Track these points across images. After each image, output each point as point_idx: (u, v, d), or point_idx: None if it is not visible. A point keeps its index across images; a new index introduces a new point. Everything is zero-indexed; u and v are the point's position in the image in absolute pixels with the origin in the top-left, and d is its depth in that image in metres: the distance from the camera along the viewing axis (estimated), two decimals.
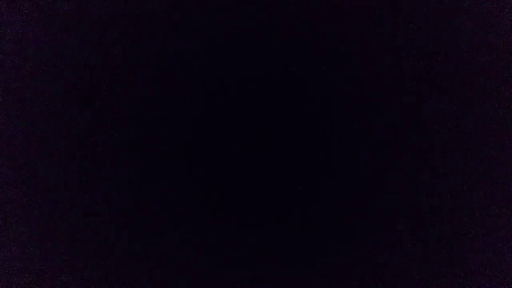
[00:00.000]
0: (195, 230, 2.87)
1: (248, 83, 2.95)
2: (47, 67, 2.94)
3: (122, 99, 2.92)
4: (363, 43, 2.94)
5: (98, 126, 2.91)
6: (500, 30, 2.93)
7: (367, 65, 2.93)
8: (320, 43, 2.95)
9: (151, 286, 2.83)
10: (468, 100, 2.91)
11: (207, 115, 2.94)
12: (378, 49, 2.94)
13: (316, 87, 2.94)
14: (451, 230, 2.85)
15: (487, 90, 2.92)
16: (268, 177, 2.90)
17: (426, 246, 2.84)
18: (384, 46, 2.94)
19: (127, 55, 2.94)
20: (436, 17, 2.95)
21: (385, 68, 2.92)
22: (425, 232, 2.85)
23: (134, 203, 2.88)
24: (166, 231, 2.87)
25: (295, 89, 2.94)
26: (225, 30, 2.96)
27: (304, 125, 2.92)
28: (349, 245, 2.85)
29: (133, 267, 2.84)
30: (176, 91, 2.94)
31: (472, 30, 2.94)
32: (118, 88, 2.93)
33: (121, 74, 2.94)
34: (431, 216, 2.86)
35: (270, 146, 2.92)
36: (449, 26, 2.95)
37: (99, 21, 2.96)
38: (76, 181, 2.88)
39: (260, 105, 2.94)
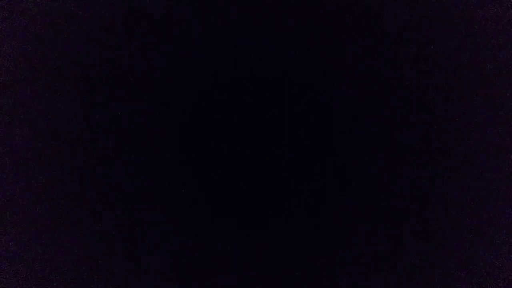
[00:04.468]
0: (194, 230, 2.87)
1: (247, 83, 2.95)
2: (46, 66, 2.94)
3: (121, 99, 2.92)
4: (363, 41, 2.94)
5: (97, 125, 2.91)
6: (501, 30, 2.93)
7: (368, 65, 2.93)
8: (320, 42, 2.95)
9: (151, 286, 2.83)
10: (470, 100, 2.91)
11: (207, 114, 2.93)
12: (379, 48, 2.93)
13: (317, 86, 2.94)
14: (452, 230, 2.85)
15: (490, 90, 2.91)
16: (268, 177, 2.90)
17: (429, 246, 2.84)
18: (385, 45, 2.93)
19: (127, 54, 2.94)
20: (439, 17, 2.95)
21: (385, 68, 2.92)
22: (427, 233, 2.85)
23: (135, 203, 2.88)
24: (166, 231, 2.87)
25: (296, 89, 2.94)
26: (225, 30, 2.96)
27: (305, 125, 2.92)
28: (350, 245, 2.85)
29: (133, 267, 2.84)
30: (177, 90, 2.94)
31: (474, 30, 2.94)
32: (118, 87, 2.93)
33: (121, 74, 2.93)
34: (432, 216, 2.85)
35: (271, 145, 2.92)
36: (450, 26, 2.95)
37: (99, 20, 2.95)
38: (76, 181, 2.88)
39: (260, 104, 2.93)
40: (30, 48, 2.95)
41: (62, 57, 2.94)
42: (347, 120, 2.91)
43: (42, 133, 2.90)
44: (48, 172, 2.88)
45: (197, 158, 2.91)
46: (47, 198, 2.87)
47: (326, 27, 2.95)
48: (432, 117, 2.90)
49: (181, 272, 2.84)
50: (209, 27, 2.95)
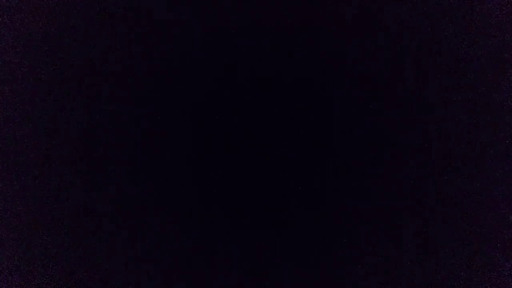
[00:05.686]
0: (194, 230, 2.87)
1: (247, 83, 2.95)
2: (46, 66, 2.94)
3: (121, 99, 2.92)
4: (363, 41, 2.94)
5: (97, 125, 2.91)
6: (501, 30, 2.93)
7: (368, 65, 2.93)
8: (320, 42, 2.95)
9: (151, 286, 2.83)
10: (470, 100, 2.91)
11: (207, 114, 2.93)
12: (379, 48, 2.93)
13: (317, 86, 2.94)
14: (452, 230, 2.85)
15: (490, 90, 2.91)
16: (268, 177, 2.90)
17: (429, 246, 2.84)
18: (385, 45, 2.93)
19: (127, 54, 2.94)
20: (439, 17, 2.95)
21: (385, 68, 2.92)
22: (427, 233, 2.84)
23: (135, 203, 2.88)
24: (166, 231, 2.87)
25: (296, 89, 2.94)
26: (225, 30, 2.96)
27: (305, 125, 2.92)
28: (350, 245, 2.85)
29: (133, 267, 2.84)
30: (177, 90, 2.94)
31: (474, 30, 2.94)
32: (118, 87, 2.93)
33: (121, 73, 2.93)
34: (432, 216, 2.85)
35: (271, 145, 2.92)
36: (451, 26, 2.95)
37: (100, 20, 2.95)
38: (76, 180, 2.88)
39: (260, 104, 2.93)
40: (30, 48, 2.95)
41: (62, 57, 2.94)
42: (347, 120, 2.91)
43: (42, 132, 2.90)
44: (48, 172, 2.88)
45: (197, 158, 2.91)
46: (47, 198, 2.87)
47: (326, 27, 2.94)
48: (432, 117, 2.90)
49: (181, 272, 2.84)
50: (209, 27, 2.95)
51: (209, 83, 2.94)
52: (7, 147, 2.89)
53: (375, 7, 2.94)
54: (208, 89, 2.94)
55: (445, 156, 2.88)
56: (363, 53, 2.93)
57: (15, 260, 2.84)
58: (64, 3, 2.96)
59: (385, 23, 2.94)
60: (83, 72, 2.93)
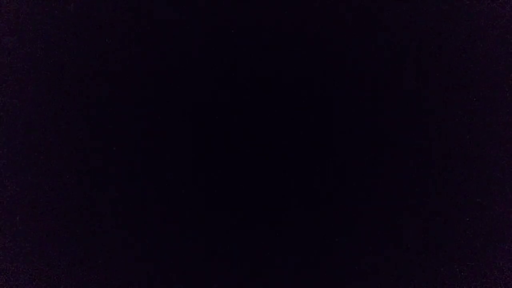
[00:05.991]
0: (194, 230, 2.87)
1: (247, 83, 2.95)
2: (47, 66, 2.94)
3: (121, 99, 2.92)
4: (363, 41, 2.94)
5: (97, 125, 2.91)
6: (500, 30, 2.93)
7: (368, 65, 2.93)
8: (320, 42, 2.95)
9: (150, 286, 2.83)
10: (470, 100, 2.91)
11: (207, 114, 2.93)
12: (379, 48, 2.93)
13: (317, 86, 2.94)
14: (452, 230, 2.85)
15: (490, 90, 2.91)
16: (268, 177, 2.90)
17: (429, 246, 2.84)
18: (385, 45, 2.93)
19: (127, 54, 2.94)
20: (439, 17, 2.95)
21: (385, 68, 2.92)
22: (427, 232, 2.84)
23: (135, 203, 2.87)
24: (166, 231, 2.87)
25: (296, 89, 2.93)
26: (225, 30, 2.96)
27: (305, 125, 2.92)
28: (350, 245, 2.85)
29: (133, 267, 2.84)
30: (177, 90, 2.94)
31: (474, 30, 2.94)
32: (118, 87, 2.93)
33: (121, 74, 2.93)
34: (432, 216, 2.85)
35: (271, 145, 2.92)
36: (451, 26, 2.95)
37: (100, 20, 2.95)
38: (77, 181, 2.88)
39: (260, 104, 2.93)
40: (30, 48, 2.95)
41: (62, 57, 2.94)
42: (347, 120, 2.91)
43: (43, 132, 2.90)
44: (48, 172, 2.88)
45: (197, 158, 2.91)
46: (47, 198, 2.87)
47: (326, 27, 2.94)
48: (432, 117, 2.90)
49: (181, 272, 2.84)
50: (209, 27, 2.95)
51: (209, 83, 2.94)
52: (7, 147, 2.89)
53: (375, 7, 2.94)
54: (208, 89, 2.94)
55: (445, 156, 2.88)
56: (363, 53, 2.93)
57: (14, 260, 2.84)
58: (64, 2, 2.96)
59: (385, 23, 2.94)
60: (83, 72, 2.93)
